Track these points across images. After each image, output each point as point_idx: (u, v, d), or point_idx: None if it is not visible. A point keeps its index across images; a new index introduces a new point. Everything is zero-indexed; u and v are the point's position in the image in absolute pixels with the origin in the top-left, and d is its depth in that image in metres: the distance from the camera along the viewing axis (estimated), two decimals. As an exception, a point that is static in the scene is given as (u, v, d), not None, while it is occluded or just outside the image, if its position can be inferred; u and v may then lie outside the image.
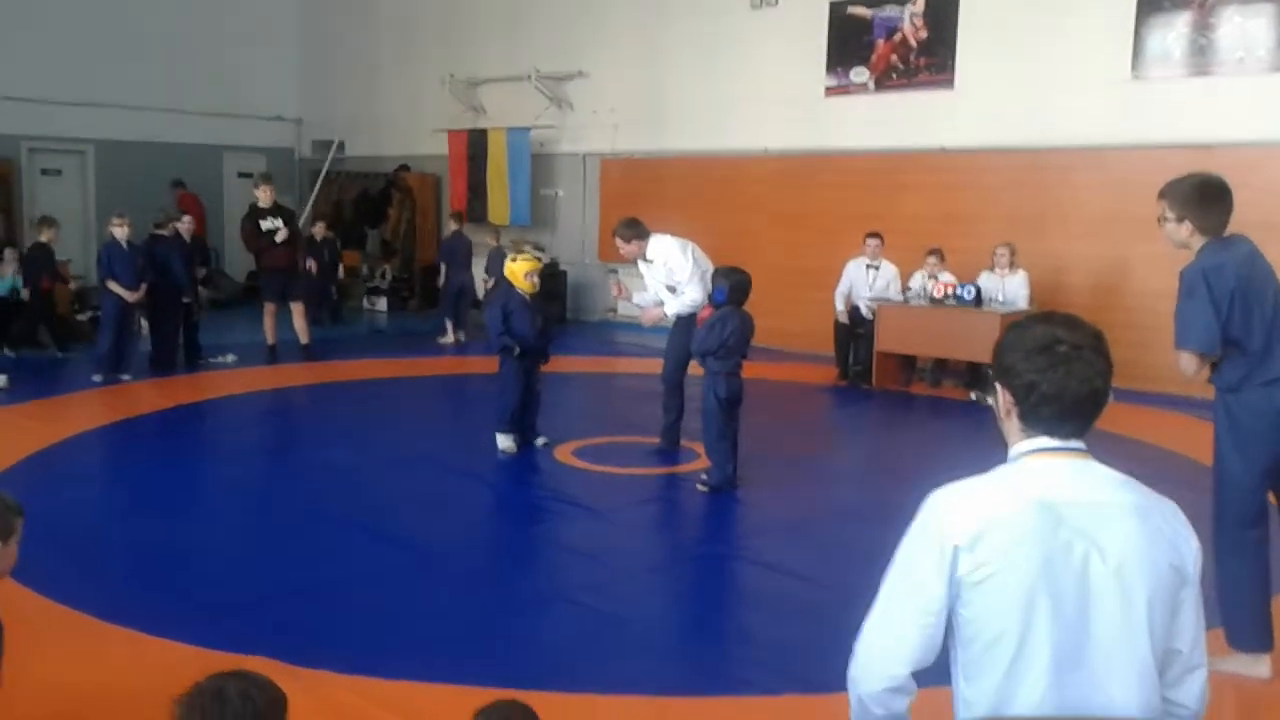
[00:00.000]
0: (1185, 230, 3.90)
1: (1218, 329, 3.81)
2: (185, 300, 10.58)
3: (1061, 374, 1.91)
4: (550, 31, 14.53)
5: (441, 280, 12.94)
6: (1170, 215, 3.92)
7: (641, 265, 7.55)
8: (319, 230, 14.09)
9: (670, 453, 7.43)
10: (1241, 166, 8.50)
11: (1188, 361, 3.90)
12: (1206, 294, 3.79)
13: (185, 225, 11.26)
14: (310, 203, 12.34)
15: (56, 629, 4.31)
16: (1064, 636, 1.84)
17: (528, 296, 7.41)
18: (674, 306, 7.34)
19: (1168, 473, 5.78)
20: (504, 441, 7.45)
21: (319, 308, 13.38)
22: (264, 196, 10.95)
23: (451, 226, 13.24)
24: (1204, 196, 3.89)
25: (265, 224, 10.78)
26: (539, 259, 7.98)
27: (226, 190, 16.91)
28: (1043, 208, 10.53)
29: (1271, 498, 4.06)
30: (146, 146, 15.47)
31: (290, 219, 11.13)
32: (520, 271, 7.44)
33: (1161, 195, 3.96)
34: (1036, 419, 1.96)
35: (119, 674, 3.94)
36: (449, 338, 12.55)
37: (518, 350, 7.33)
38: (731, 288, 6.53)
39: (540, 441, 7.57)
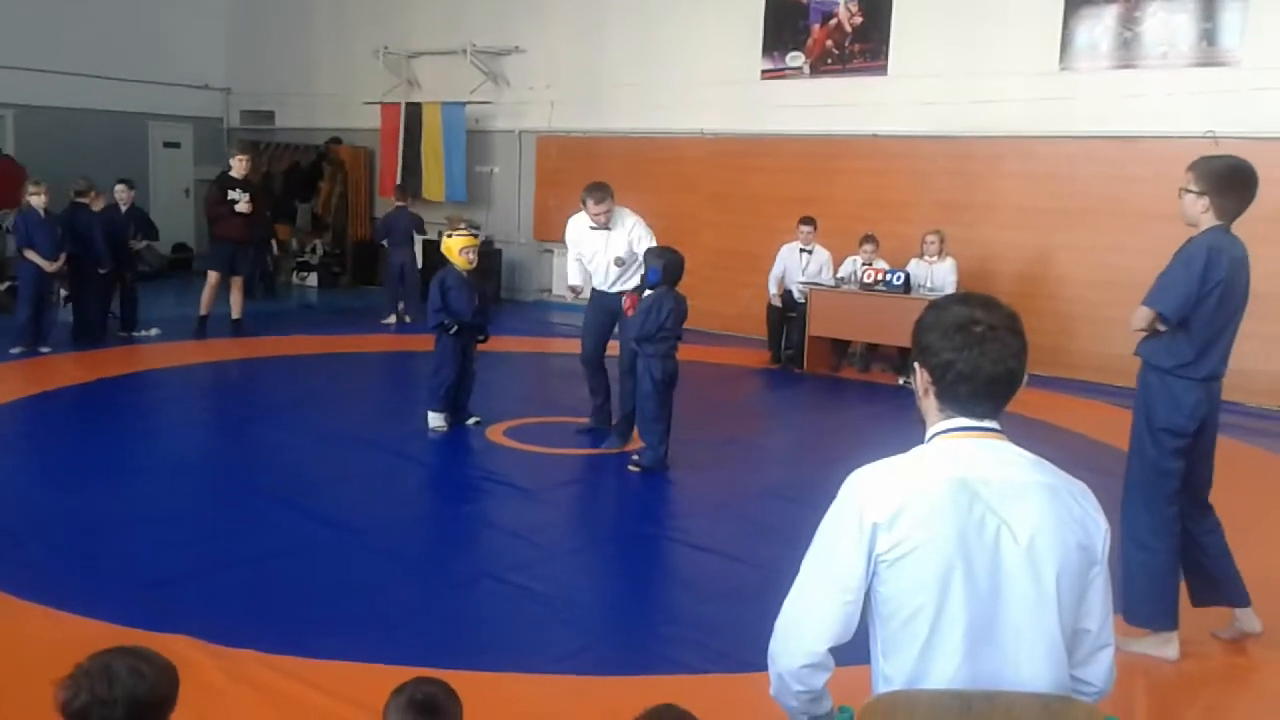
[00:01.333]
0: (1201, 205, 3.95)
1: (1192, 305, 3.89)
2: (101, 270, 10.30)
3: (976, 353, 1.94)
4: (487, 5, 14.35)
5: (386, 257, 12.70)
6: (1193, 188, 3.96)
7: (584, 235, 7.35)
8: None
9: (602, 433, 7.44)
10: (1162, 159, 8.73)
11: (1143, 317, 3.98)
12: (1201, 270, 3.86)
13: (123, 195, 10.99)
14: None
15: (-30, 607, 4.20)
16: (977, 611, 1.88)
17: (464, 273, 7.37)
18: (636, 278, 7.09)
19: (1085, 459, 5.93)
20: (435, 420, 7.40)
21: (253, 280, 13.12)
22: (238, 167, 10.82)
23: (394, 202, 13.01)
24: (1231, 180, 3.94)
25: (231, 194, 10.61)
26: (475, 235, 7.90)
27: (152, 159, 16.49)
28: (972, 196, 10.70)
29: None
30: (68, 113, 14.98)
31: (255, 194, 10.95)
32: (456, 248, 7.38)
33: (1191, 168, 4.01)
34: (953, 398, 1.99)
35: (36, 652, 3.84)
36: (391, 318, 12.28)
37: (454, 328, 7.28)
38: (665, 267, 6.54)
39: (472, 421, 7.54)
